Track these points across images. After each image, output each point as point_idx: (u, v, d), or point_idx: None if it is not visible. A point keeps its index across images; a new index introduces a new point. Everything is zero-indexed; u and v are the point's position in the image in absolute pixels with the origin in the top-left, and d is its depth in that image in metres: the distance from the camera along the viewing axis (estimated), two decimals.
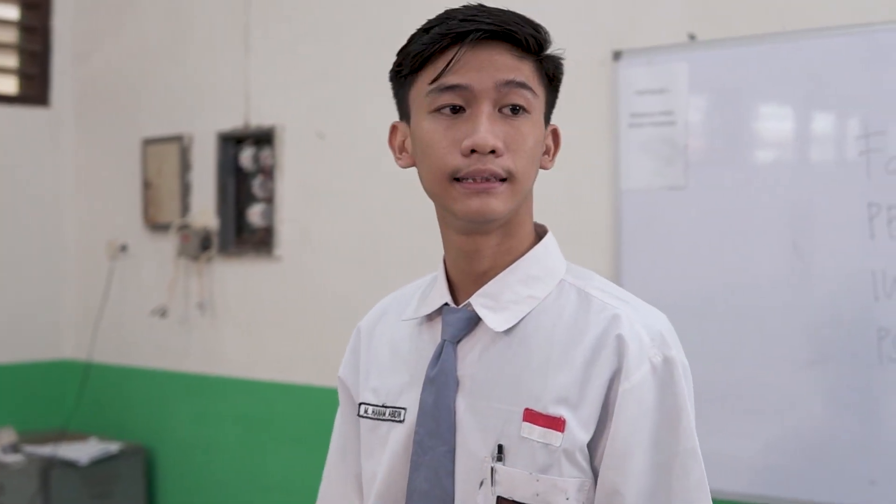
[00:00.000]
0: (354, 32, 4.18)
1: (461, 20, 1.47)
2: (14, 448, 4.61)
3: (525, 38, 1.48)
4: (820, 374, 3.08)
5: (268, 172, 4.48)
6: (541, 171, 1.60)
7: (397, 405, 1.58)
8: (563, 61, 1.56)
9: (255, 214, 4.50)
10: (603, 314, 1.50)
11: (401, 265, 3.89)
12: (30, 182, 5.18)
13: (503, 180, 1.47)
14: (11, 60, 5.21)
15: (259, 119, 4.48)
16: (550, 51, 1.54)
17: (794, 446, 3.13)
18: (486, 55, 1.47)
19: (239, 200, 4.62)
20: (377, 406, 1.61)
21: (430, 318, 1.60)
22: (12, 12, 5.16)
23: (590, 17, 3.55)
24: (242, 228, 4.62)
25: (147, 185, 4.89)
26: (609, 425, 1.45)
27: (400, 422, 1.57)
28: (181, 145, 4.74)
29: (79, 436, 4.93)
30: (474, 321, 1.54)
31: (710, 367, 3.21)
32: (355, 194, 4.15)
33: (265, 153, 4.48)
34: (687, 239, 3.29)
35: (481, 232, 1.52)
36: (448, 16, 1.50)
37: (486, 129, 1.45)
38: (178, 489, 4.85)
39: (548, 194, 3.61)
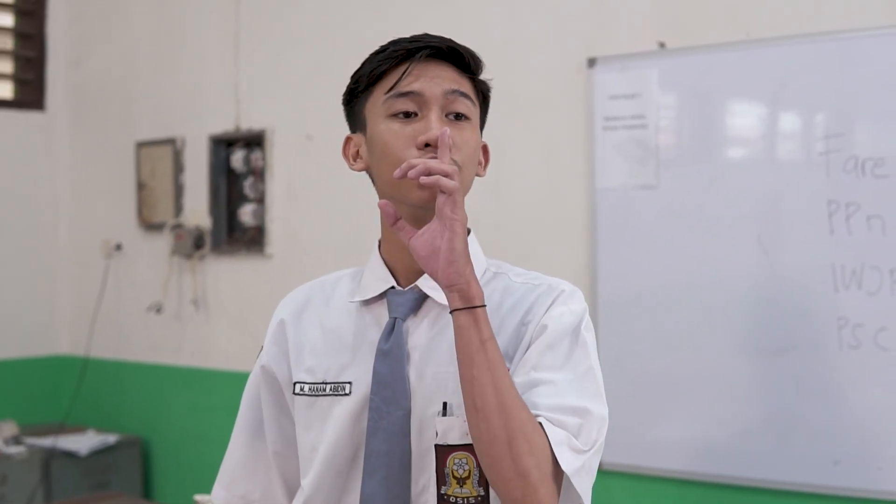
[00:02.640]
0: (341, 38, 4.26)
1: (410, 41, 1.70)
2: (16, 440, 4.70)
3: (466, 58, 1.72)
4: (785, 361, 3.21)
5: (258, 173, 4.56)
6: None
7: (340, 381, 1.75)
8: (490, 84, 1.78)
9: (246, 214, 4.59)
10: (525, 286, 1.73)
11: None
12: (26, 184, 5.24)
13: None
14: (7, 66, 5.28)
15: (249, 122, 4.57)
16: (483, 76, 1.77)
17: (762, 430, 3.25)
18: (433, 69, 1.69)
19: (230, 201, 4.70)
20: (315, 383, 1.78)
21: (367, 303, 1.80)
22: (8, 19, 5.23)
23: (566, 27, 3.67)
24: (234, 227, 4.70)
25: (141, 187, 4.97)
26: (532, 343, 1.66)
27: (346, 395, 1.74)
28: (174, 148, 4.82)
29: (77, 428, 5.01)
30: (421, 300, 1.73)
31: (682, 357, 3.36)
32: (343, 194, 4.21)
33: (256, 155, 4.56)
34: (659, 235, 3.43)
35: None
36: (397, 41, 1.73)
37: (437, 126, 1.65)
38: (173, 478, 4.94)
39: (528, 193, 3.75)
